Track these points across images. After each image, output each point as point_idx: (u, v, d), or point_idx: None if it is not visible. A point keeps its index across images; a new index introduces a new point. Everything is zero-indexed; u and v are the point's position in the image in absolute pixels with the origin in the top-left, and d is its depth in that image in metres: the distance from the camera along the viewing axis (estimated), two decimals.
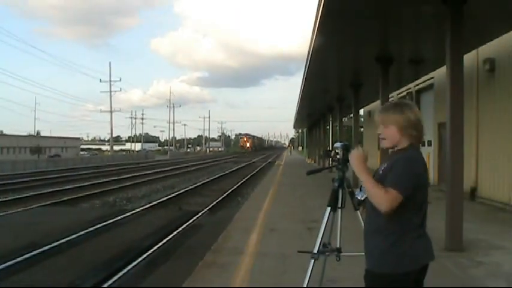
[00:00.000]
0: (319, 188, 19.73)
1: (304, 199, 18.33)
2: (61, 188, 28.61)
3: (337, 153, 4.52)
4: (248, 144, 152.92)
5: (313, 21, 14.78)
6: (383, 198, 3.37)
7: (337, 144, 4.55)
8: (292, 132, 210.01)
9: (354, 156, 3.73)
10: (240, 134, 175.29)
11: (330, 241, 4.60)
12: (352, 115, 30.05)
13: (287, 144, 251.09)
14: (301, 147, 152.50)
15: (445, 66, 11.13)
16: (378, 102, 21.98)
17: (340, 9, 12.93)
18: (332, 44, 16.84)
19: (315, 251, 4.47)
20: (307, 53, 19.48)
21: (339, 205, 4.53)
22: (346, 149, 4.49)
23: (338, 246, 4.66)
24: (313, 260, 4.45)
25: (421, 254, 3.50)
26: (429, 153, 23.72)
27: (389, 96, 20.32)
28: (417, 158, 3.58)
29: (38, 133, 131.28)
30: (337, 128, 39.35)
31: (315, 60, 19.55)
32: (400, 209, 3.39)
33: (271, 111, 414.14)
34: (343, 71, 23.63)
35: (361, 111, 41.45)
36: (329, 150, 4.76)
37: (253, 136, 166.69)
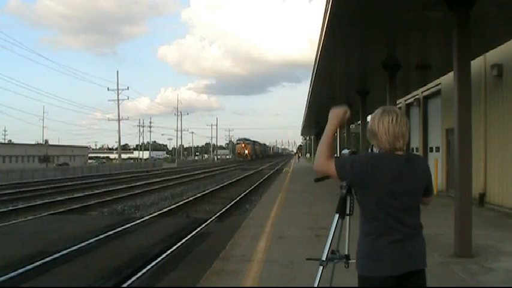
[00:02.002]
0: (327, 194, 19.69)
1: (312, 206, 18.30)
2: (70, 197, 28.71)
3: None
4: (246, 151, 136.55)
5: (320, 28, 14.81)
6: (320, 159, 3.71)
7: (345, 151, 4.54)
8: (299, 139, 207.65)
9: (334, 111, 3.84)
10: (237, 139, 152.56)
11: (338, 248, 4.60)
12: (359, 122, 30.04)
13: (295, 151, 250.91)
14: (309, 154, 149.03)
15: (452, 72, 11.13)
16: None
17: (347, 17, 12.95)
18: (339, 51, 16.89)
19: (323, 258, 4.46)
20: (314, 60, 19.51)
21: (347, 212, 4.52)
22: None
23: (346, 253, 4.65)
24: (321, 267, 4.44)
25: (376, 261, 3.56)
26: (437, 159, 23.68)
27: (397, 102, 20.31)
28: (365, 154, 3.81)
29: (46, 142, 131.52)
30: (345, 134, 39.35)
31: (321, 68, 19.57)
32: (360, 212, 3.68)
33: (279, 119, 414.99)
34: (350, 77, 23.66)
35: (369, 118, 41.40)
36: (337, 157, 4.76)
37: (253, 142, 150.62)
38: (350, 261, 4.56)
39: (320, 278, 4.36)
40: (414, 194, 3.61)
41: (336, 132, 3.95)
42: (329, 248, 4.44)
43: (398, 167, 3.54)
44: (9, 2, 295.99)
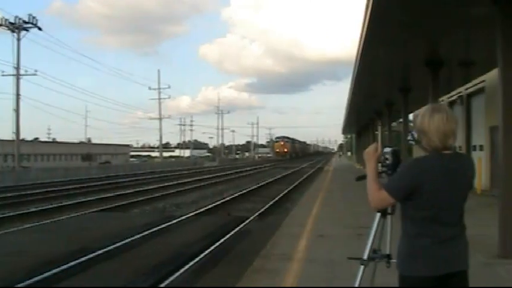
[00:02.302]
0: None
1: (353, 205, 18.17)
2: (112, 194, 29.05)
3: (387, 159, 4.45)
4: (285, 150, 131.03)
5: (360, 25, 14.70)
6: (372, 196, 3.75)
7: (387, 150, 4.49)
8: (340, 138, 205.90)
9: (365, 153, 4.04)
10: (276, 137, 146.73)
11: (380, 247, 4.54)
12: (401, 120, 29.76)
13: (335, 149, 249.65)
14: (350, 153, 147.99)
15: (497, 69, 10.92)
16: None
17: (389, 13, 12.82)
18: (380, 48, 16.74)
19: (365, 257, 4.41)
20: (354, 58, 19.38)
21: (389, 211, 4.47)
22: (396, 155, 4.41)
23: (388, 252, 4.59)
24: (362, 267, 4.39)
25: (417, 261, 3.51)
26: (480, 158, 23.29)
27: (440, 100, 20.04)
28: (410, 164, 3.68)
29: (89, 140, 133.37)
30: (386, 133, 39.00)
31: (362, 66, 19.44)
32: (402, 212, 3.66)
33: (320, 117, 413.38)
34: (392, 75, 23.42)
35: (411, 116, 41.01)
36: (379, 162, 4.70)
37: (293, 140, 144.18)
38: (392, 260, 4.50)
39: (361, 278, 4.32)
40: (460, 193, 3.55)
41: (377, 130, 3.95)
42: (370, 247, 4.39)
43: (445, 166, 3.48)
44: (52, 3, 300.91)
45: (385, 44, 16.20)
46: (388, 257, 4.59)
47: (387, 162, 4.43)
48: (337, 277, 7.97)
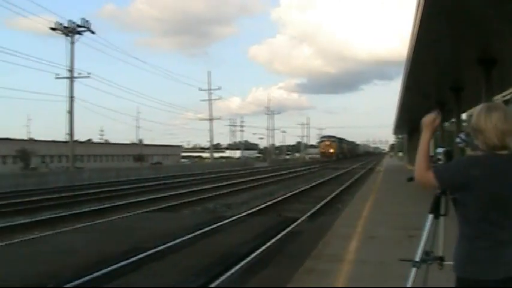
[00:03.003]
0: (421, 194, 19.33)
1: (405, 206, 17.97)
2: (163, 195, 29.38)
3: (439, 159, 4.39)
4: (331, 150, 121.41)
5: (412, 24, 14.54)
6: (418, 172, 3.65)
7: (439, 150, 4.43)
8: (392, 138, 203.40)
9: (424, 120, 3.86)
10: (322, 136, 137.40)
11: (432, 249, 4.48)
12: (453, 120, 29.32)
13: (387, 150, 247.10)
14: (401, 153, 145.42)
15: None
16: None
17: (440, 10, 12.65)
18: (431, 47, 16.52)
19: (417, 259, 4.36)
20: (406, 57, 19.18)
21: (442, 212, 4.40)
22: (449, 155, 4.35)
23: (441, 254, 4.53)
24: (414, 269, 4.34)
25: (475, 263, 3.43)
26: None
27: (494, 99, 19.68)
28: (464, 158, 3.61)
29: (141, 141, 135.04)
30: (439, 133, 38.47)
31: (414, 65, 19.22)
32: (457, 213, 3.55)
33: (371, 117, 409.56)
34: (444, 74, 23.09)
35: (464, 116, 40.38)
36: (430, 156, 4.63)
37: (340, 139, 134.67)
38: (445, 262, 4.44)
39: (413, 280, 4.26)
40: None
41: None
42: (422, 249, 4.34)
43: (501, 167, 3.40)
44: (104, 7, 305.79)
45: (437, 42, 15.97)
46: (441, 259, 4.52)
47: (439, 162, 4.37)
48: (389, 279, 7.88)
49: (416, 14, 13.25)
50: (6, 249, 13.41)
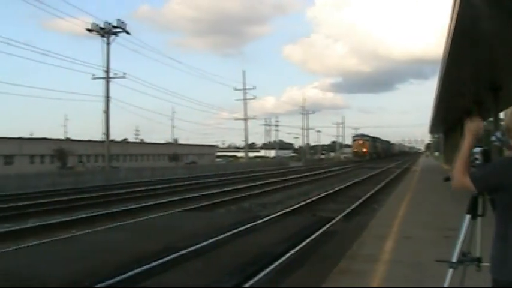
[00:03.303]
0: (457, 194, 19.10)
1: (441, 206, 17.79)
2: (197, 194, 29.52)
3: (476, 159, 4.34)
4: (364, 149, 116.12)
5: (448, 22, 14.38)
6: (456, 175, 3.62)
7: (476, 149, 4.37)
8: (428, 137, 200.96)
9: (470, 125, 3.82)
10: (354, 135, 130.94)
11: (469, 250, 4.43)
12: (491, 119, 28.93)
13: (422, 149, 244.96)
14: (437, 153, 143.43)
15: None
16: None
17: (477, 7, 12.47)
18: (468, 45, 16.31)
19: (454, 260, 4.32)
20: (441, 56, 18.98)
21: (479, 213, 4.35)
22: (486, 155, 4.29)
23: (478, 255, 4.47)
24: (451, 270, 4.29)
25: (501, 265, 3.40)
26: None
27: None
28: (499, 161, 3.64)
29: (176, 141, 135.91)
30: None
31: (450, 63, 19.02)
32: (495, 213, 3.54)
33: (406, 116, 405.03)
34: (481, 73, 22.78)
35: (501, 114, 39.84)
36: (472, 166, 4.57)
37: (373, 138, 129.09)
38: (482, 264, 4.38)
39: (450, 281, 4.22)
40: None
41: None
42: (459, 250, 4.29)
43: None
44: (139, 8, 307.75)
45: (474, 40, 15.76)
46: (479, 260, 4.46)
47: (477, 162, 4.31)
48: (425, 279, 7.81)
49: (453, 11, 13.10)
50: (43, 247, 13.60)
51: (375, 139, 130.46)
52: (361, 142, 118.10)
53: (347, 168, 71.74)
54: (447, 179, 4.38)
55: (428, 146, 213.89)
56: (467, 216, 4.30)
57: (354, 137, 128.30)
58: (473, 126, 3.78)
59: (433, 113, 49.95)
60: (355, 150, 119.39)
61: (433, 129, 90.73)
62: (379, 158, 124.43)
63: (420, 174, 44.81)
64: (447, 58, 18.34)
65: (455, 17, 13.19)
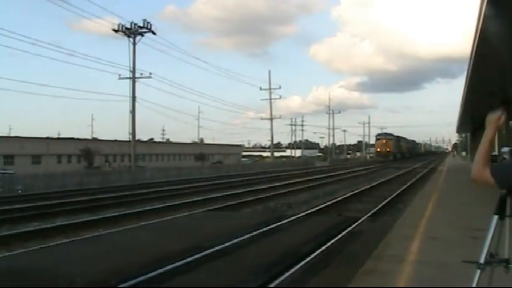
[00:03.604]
0: (485, 194, 18.93)
1: (468, 206, 17.63)
2: (223, 194, 29.59)
3: (505, 158, 4.29)
4: (388, 149, 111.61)
5: (475, 19, 14.23)
6: (475, 168, 3.55)
7: (505, 149, 4.33)
8: (455, 137, 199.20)
9: (488, 117, 3.74)
10: (377, 134, 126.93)
11: (497, 251, 4.37)
12: None
13: (449, 149, 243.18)
14: (464, 153, 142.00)
15: None
16: None
17: (505, 3, 12.33)
18: (496, 43, 16.11)
19: (481, 261, 4.26)
20: (469, 54, 18.80)
21: (507, 213, 4.29)
22: None
23: (507, 257, 4.42)
24: (478, 271, 4.24)
25: None
26: None
27: None
28: None
29: (202, 140, 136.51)
30: (504, 132, 37.61)
31: (477, 61, 18.82)
32: None
33: (433, 116, 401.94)
34: (509, 72, 22.51)
35: None
36: (495, 155, 4.52)
37: (397, 137, 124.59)
38: (510, 265, 4.33)
39: (478, 282, 4.17)
40: None
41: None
42: (487, 251, 4.23)
43: None
44: (165, 8, 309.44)
45: (502, 37, 15.58)
46: (507, 261, 4.40)
47: (504, 162, 4.26)
48: (451, 280, 7.73)
49: (481, 8, 12.97)
50: (70, 246, 13.73)
51: (399, 138, 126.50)
52: (384, 141, 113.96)
53: (373, 168, 71.43)
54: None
55: (455, 146, 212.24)
56: (495, 217, 4.24)
57: (377, 136, 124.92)
58: (494, 118, 3.72)
59: (460, 112, 49.58)
60: (379, 149, 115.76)
61: (460, 128, 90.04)
62: (403, 158, 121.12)
63: (446, 174, 44.49)
64: (474, 56, 18.17)
65: (482, 15, 13.05)
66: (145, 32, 53.01)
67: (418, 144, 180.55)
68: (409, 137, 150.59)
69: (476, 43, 16.25)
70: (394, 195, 26.24)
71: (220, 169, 66.82)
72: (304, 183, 37.99)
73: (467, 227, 12.98)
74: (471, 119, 54.96)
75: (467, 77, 24.86)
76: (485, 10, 12.66)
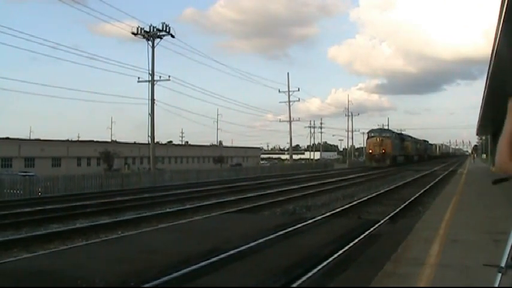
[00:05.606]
0: (507, 197, 18.78)
1: (490, 209, 17.50)
2: (242, 196, 29.58)
3: None
4: (383, 150, 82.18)
5: (496, 20, 14.14)
6: (499, 159, 3.26)
7: None
8: (475, 139, 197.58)
9: (510, 102, 3.33)
10: (370, 131, 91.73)
11: None
12: None
13: (470, 151, 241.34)
14: (485, 155, 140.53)
15: None
16: None
17: None
18: None
19: (502, 264, 4.23)
20: (489, 55, 18.68)
21: None
22: None
23: None
24: (500, 274, 4.21)
25: None
26: None
27: None
28: None
29: (221, 143, 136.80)
30: None
31: (498, 62, 18.69)
32: None
33: (453, 118, 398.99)
34: None
35: None
36: None
37: (400, 135, 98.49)
38: None
39: (499, 286, 4.13)
40: None
41: None
42: (509, 254, 4.20)
43: None
44: (184, 11, 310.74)
45: None
46: None
47: None
48: (472, 284, 7.69)
49: (501, 9, 12.88)
50: (90, 248, 13.80)
51: (402, 136, 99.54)
52: (378, 140, 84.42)
53: (392, 170, 71.07)
54: (496, 182, 4.29)
55: (475, 148, 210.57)
56: None
57: (369, 133, 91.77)
58: None
59: (480, 114, 49.22)
60: (371, 151, 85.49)
61: (481, 130, 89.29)
62: (409, 162, 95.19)
63: (466, 177, 44.19)
64: (495, 58, 18.04)
65: (503, 15, 12.96)
66: (164, 35, 53.21)
67: (431, 145, 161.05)
68: (430, 140, 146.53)
69: (496, 45, 16.14)
70: (414, 197, 26.06)
71: (240, 171, 66.81)
72: (323, 186, 37.90)
73: (489, 229, 12.91)
74: (491, 121, 54.53)
75: (487, 78, 24.70)
76: (505, 13, 12.58)
